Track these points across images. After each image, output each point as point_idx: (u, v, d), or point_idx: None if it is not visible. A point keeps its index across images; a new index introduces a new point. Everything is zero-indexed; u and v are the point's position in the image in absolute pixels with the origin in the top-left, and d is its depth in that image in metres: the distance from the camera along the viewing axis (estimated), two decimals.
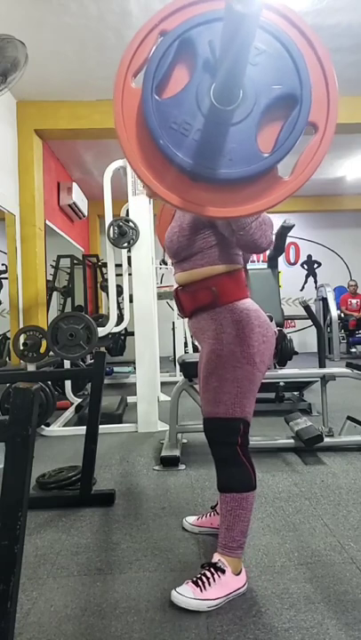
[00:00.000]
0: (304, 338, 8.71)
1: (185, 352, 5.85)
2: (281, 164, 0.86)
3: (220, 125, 0.83)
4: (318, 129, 0.86)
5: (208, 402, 1.40)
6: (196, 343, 1.54)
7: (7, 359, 4.53)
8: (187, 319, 1.55)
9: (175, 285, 1.54)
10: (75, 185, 5.72)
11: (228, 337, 1.35)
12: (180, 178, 0.86)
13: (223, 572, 1.37)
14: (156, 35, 0.86)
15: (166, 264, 5.41)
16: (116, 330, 3.92)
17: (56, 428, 3.41)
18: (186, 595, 1.33)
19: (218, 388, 1.36)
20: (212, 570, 1.37)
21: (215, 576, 1.36)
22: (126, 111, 0.87)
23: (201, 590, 1.34)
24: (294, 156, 0.86)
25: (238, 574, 1.40)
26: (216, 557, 1.40)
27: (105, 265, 5.38)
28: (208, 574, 1.37)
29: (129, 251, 3.50)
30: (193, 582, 1.36)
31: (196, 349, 5.77)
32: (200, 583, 1.35)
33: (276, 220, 4.11)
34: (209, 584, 1.35)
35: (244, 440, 1.38)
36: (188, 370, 2.67)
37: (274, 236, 1.30)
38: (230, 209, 0.88)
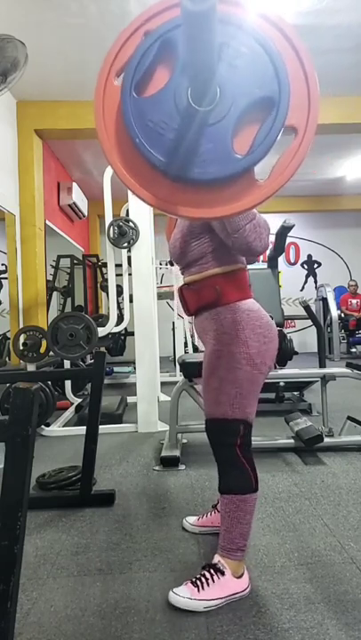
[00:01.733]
0: (304, 338, 8.71)
1: (185, 352, 5.85)
2: (262, 167, 0.85)
3: (196, 126, 0.84)
4: (298, 133, 0.86)
5: (209, 403, 1.40)
6: (200, 344, 1.55)
7: (7, 359, 4.53)
8: (192, 319, 1.55)
9: (179, 285, 1.55)
10: (75, 185, 5.72)
11: (228, 338, 1.35)
12: (156, 177, 0.86)
13: (223, 573, 1.37)
14: (140, 34, 0.87)
15: (170, 264, 5.42)
16: (116, 330, 3.92)
17: (56, 428, 3.41)
18: (182, 595, 1.34)
19: (218, 389, 1.36)
20: (212, 571, 1.38)
21: (214, 577, 1.36)
22: (107, 108, 0.87)
23: (199, 590, 1.34)
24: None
25: (239, 577, 1.39)
26: (216, 558, 1.40)
27: (105, 265, 5.38)
28: (207, 575, 1.37)
29: (129, 251, 3.50)
30: (192, 583, 1.37)
31: (196, 349, 5.77)
32: (198, 584, 1.36)
33: (277, 220, 4.10)
34: (208, 584, 1.35)
35: (244, 441, 1.38)
36: (188, 370, 2.67)
37: (272, 239, 1.31)
38: (205, 210, 0.88)
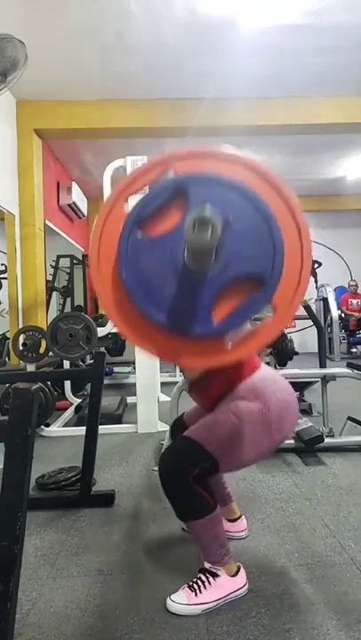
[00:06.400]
0: (304, 338, 8.67)
1: None
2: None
3: (182, 281, 0.85)
4: (277, 312, 0.87)
5: (198, 425, 1.36)
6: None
7: (7, 359, 4.52)
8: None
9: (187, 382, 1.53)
10: (74, 184, 5.71)
11: (248, 399, 1.33)
12: (135, 313, 0.88)
13: (217, 575, 1.37)
14: (164, 169, 0.89)
15: None
16: (116, 330, 3.91)
17: (56, 429, 3.40)
18: (180, 602, 1.34)
19: (217, 423, 1.32)
20: (207, 574, 1.38)
21: (210, 579, 1.36)
22: (107, 229, 0.89)
23: (196, 594, 1.34)
24: None
25: (234, 575, 1.39)
26: (207, 564, 1.40)
27: None
28: (203, 578, 1.37)
29: None
30: (188, 587, 1.37)
31: None
32: (195, 587, 1.36)
33: None
34: (204, 587, 1.35)
35: (201, 475, 1.30)
36: None
37: None
38: (170, 355, 0.92)
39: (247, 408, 1.31)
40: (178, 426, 1.66)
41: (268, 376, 1.38)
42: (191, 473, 1.28)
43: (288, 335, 3.87)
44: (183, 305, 0.85)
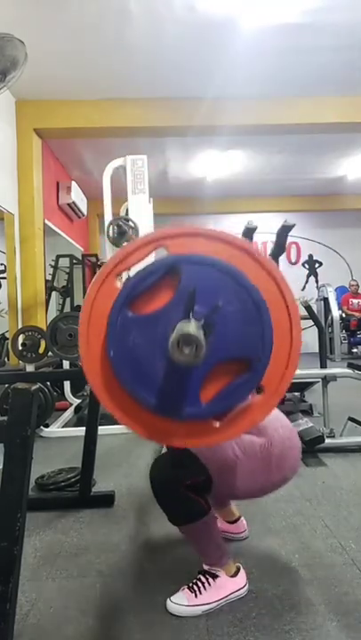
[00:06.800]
0: (305, 338, 8.53)
1: None
2: None
3: (170, 362, 0.83)
4: (265, 393, 0.87)
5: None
6: None
7: (6, 359, 4.51)
8: None
9: None
10: (74, 184, 5.71)
11: (252, 439, 1.31)
12: (123, 393, 0.87)
13: (217, 575, 1.37)
14: (156, 247, 0.88)
15: None
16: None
17: (55, 429, 3.40)
18: (180, 603, 1.33)
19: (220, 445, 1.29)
20: (206, 575, 1.38)
21: (210, 580, 1.36)
22: (97, 306, 0.88)
23: (196, 595, 1.34)
24: None
25: (234, 576, 1.39)
26: (206, 566, 1.40)
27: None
28: (203, 579, 1.37)
29: None
30: (188, 588, 1.37)
31: None
32: (195, 588, 1.35)
33: (277, 220, 4.08)
34: (204, 588, 1.35)
35: (192, 486, 1.29)
36: None
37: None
38: (158, 435, 0.92)
39: (250, 440, 1.31)
40: None
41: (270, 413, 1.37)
42: (184, 482, 1.28)
43: None
44: (171, 386, 0.85)
